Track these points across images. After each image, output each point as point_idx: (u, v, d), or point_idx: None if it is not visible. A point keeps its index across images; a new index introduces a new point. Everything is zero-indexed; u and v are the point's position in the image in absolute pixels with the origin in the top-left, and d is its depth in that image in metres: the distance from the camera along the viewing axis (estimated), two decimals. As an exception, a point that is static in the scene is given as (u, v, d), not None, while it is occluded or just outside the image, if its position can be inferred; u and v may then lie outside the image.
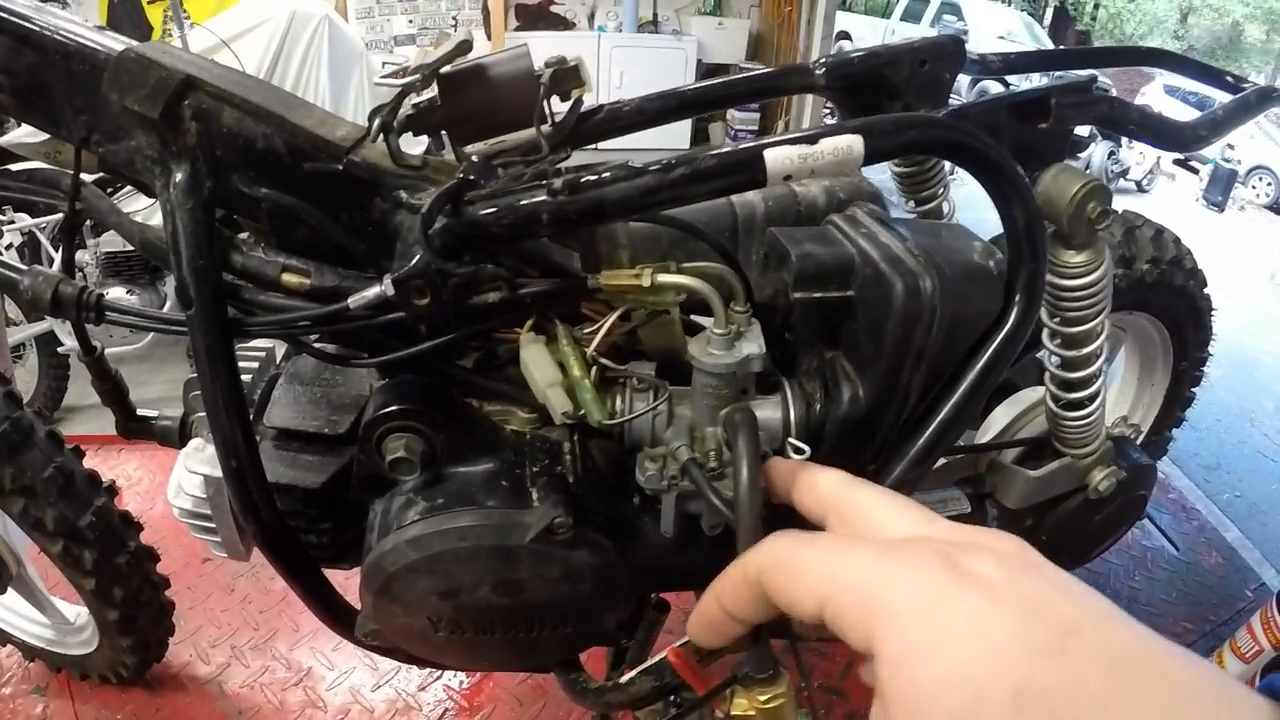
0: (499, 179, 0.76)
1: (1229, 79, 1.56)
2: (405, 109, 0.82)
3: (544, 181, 0.72)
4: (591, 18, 6.63)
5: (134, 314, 0.96)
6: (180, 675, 1.80)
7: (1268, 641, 1.70)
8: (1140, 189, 9.72)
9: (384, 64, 5.73)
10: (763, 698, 0.75)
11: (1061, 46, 14.87)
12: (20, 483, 1.34)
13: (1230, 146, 9.75)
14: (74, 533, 1.41)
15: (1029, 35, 13.06)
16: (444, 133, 0.85)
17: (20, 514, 1.38)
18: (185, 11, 3.78)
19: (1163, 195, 10.00)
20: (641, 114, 0.94)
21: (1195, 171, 10.53)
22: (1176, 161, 11.19)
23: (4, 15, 0.79)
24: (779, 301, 0.91)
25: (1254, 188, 10.56)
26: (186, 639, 1.83)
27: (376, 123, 0.80)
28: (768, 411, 0.89)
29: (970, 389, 0.87)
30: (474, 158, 0.77)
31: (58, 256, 3.03)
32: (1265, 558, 2.46)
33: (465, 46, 0.78)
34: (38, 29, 0.80)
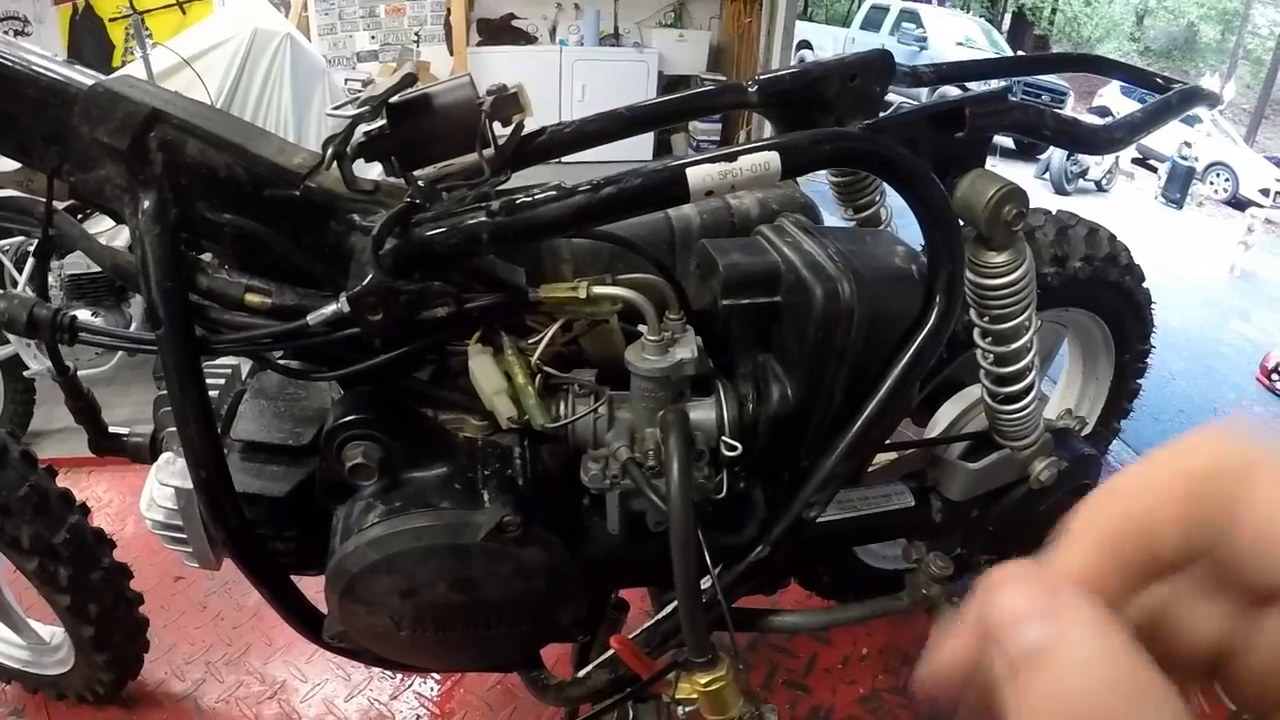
0: (444, 201, 0.82)
1: (1158, 80, 1.63)
2: (357, 137, 0.87)
3: (483, 204, 0.78)
4: (553, 32, 6.67)
5: (105, 334, 1.00)
6: (156, 693, 1.81)
7: None
8: (1100, 188, 9.91)
9: (346, 80, 5.76)
10: (703, 680, 0.81)
11: (1019, 51, 15.12)
12: None
13: (1188, 144, 9.96)
14: (49, 550, 1.43)
15: (988, 41, 13.23)
16: (393, 158, 0.90)
17: None
18: (148, 30, 3.79)
19: (1122, 194, 10.21)
20: (582, 135, 1.00)
21: (1154, 170, 10.76)
22: (1135, 160, 11.43)
23: None
24: (715, 309, 0.97)
25: (1212, 184, 10.80)
26: (161, 656, 1.84)
27: (330, 151, 0.85)
28: (703, 412, 0.94)
29: (895, 385, 0.93)
30: (420, 182, 0.82)
31: (20, 277, 3.04)
32: None
33: (410, 79, 0.83)
34: (11, 64, 0.85)
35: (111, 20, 6.19)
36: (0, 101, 0.85)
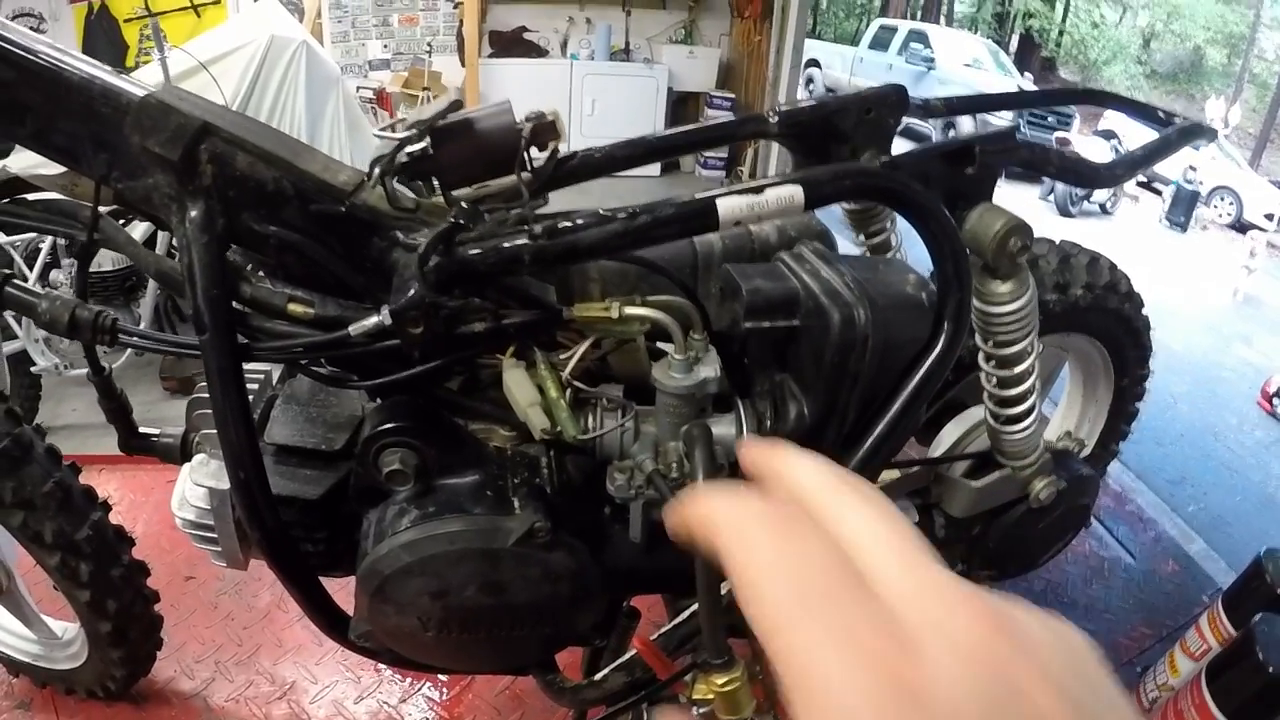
0: (485, 223, 0.86)
1: (1160, 114, 1.68)
2: (401, 157, 0.91)
3: (526, 226, 0.82)
4: (564, 45, 6.71)
5: (147, 337, 1.04)
6: (165, 690, 1.83)
7: (1214, 640, 1.80)
8: (1104, 211, 9.96)
9: (358, 88, 5.82)
10: (719, 681, 0.85)
11: (1026, 73, 15.19)
12: (20, 496, 1.39)
13: (1192, 168, 10.01)
14: (71, 546, 1.45)
15: (995, 62, 13.31)
16: (435, 179, 0.94)
17: (19, 527, 1.42)
18: (164, 33, 3.83)
19: (1126, 217, 10.25)
20: (612, 160, 1.04)
21: (1158, 193, 10.81)
22: (1140, 183, 11.49)
23: (33, 56, 0.87)
24: (734, 330, 1.02)
25: (1216, 207, 10.85)
26: (170, 655, 1.86)
27: (377, 170, 0.89)
28: (724, 428, 0.99)
29: (905, 405, 0.98)
30: (462, 203, 0.87)
31: (31, 273, 3.08)
32: (1230, 567, 2.52)
33: (456, 105, 0.88)
34: (64, 69, 0.88)
35: (126, 21, 6.25)
36: (52, 107, 0.88)
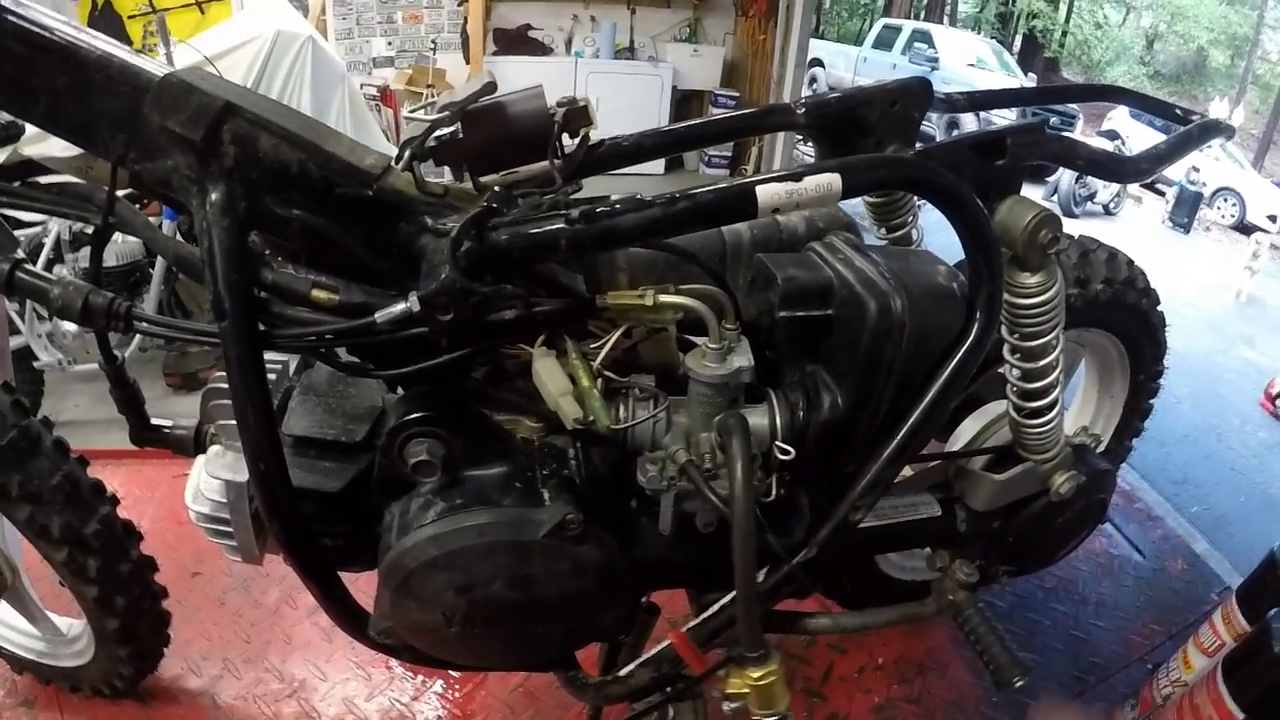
0: (519, 207, 0.85)
1: (1178, 111, 1.68)
2: (430, 141, 0.90)
3: (562, 211, 0.81)
4: (569, 43, 6.72)
5: (164, 324, 1.01)
6: (171, 688, 1.81)
7: (1229, 635, 1.79)
8: (1107, 212, 9.97)
9: (362, 85, 5.80)
10: (755, 675, 0.84)
11: (1030, 73, 15.19)
12: (27, 489, 1.36)
13: (1195, 169, 10.04)
14: (79, 540, 1.43)
15: (999, 62, 13.33)
16: (464, 164, 0.92)
17: (26, 521, 1.40)
18: (168, 29, 3.81)
19: (1130, 217, 10.27)
20: (639, 149, 1.03)
21: (1162, 194, 10.83)
22: (1143, 184, 11.51)
23: (48, 33, 0.85)
24: (764, 320, 1.00)
25: (1219, 209, 10.88)
26: (177, 652, 1.82)
27: (408, 153, 0.87)
28: (757, 418, 0.98)
29: (937, 396, 0.96)
30: (495, 187, 0.85)
31: (36, 267, 3.07)
32: (1234, 567, 2.52)
33: (490, 87, 0.86)
34: (84, 47, 0.86)
35: (130, 17, 6.24)
36: (67, 85, 0.86)
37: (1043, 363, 1.27)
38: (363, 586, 1.11)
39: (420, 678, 1.82)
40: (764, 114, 1.22)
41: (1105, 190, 9.68)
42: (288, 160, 0.88)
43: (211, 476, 1.11)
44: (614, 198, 0.82)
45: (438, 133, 0.89)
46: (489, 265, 0.83)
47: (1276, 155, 16.88)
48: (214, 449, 1.15)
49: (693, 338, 0.96)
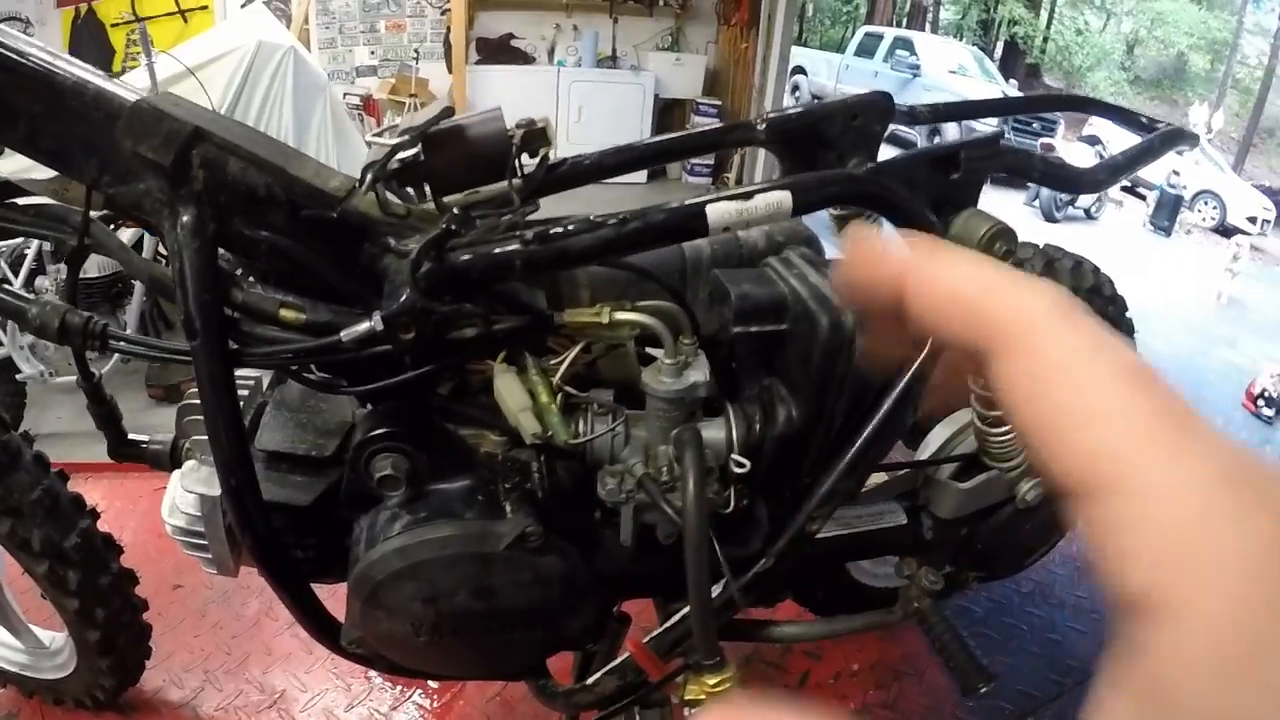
0: (477, 229, 0.87)
1: (1142, 120, 1.71)
2: (393, 164, 0.92)
3: (517, 232, 0.83)
4: (551, 52, 6.73)
5: (138, 343, 1.04)
6: (153, 700, 1.81)
7: None
8: (1088, 215, 10.03)
9: (345, 95, 5.82)
10: (711, 682, 0.86)
11: (1011, 79, 15.27)
12: (8, 504, 1.38)
13: (1176, 173, 10.10)
14: (60, 554, 1.44)
15: (980, 69, 13.40)
16: (426, 185, 0.95)
17: (7, 534, 1.41)
18: (151, 38, 3.82)
19: (1111, 221, 10.33)
20: (600, 167, 1.05)
21: (1143, 197, 10.91)
22: (1124, 188, 11.59)
23: (25, 59, 0.86)
24: (723, 335, 1.03)
25: (1199, 211, 10.95)
26: (159, 664, 1.83)
27: (370, 176, 0.90)
28: (713, 432, 1.00)
29: (891, 409, 0.99)
30: (454, 209, 0.87)
31: (16, 280, 3.07)
32: None
33: (448, 111, 0.89)
34: (56, 73, 0.88)
35: (113, 25, 6.25)
36: (44, 110, 0.88)
37: (1003, 372, 1.29)
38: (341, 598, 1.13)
39: (399, 688, 1.83)
40: (726, 131, 1.25)
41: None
42: (255, 183, 0.91)
43: (186, 491, 1.13)
44: (569, 218, 0.84)
45: (400, 155, 0.91)
46: (448, 285, 0.86)
47: (1256, 158, 17.06)
48: (189, 464, 1.16)
49: (653, 351, 0.99)
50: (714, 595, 0.91)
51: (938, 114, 1.56)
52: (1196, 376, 5.36)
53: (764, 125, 1.19)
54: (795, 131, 1.22)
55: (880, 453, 1.02)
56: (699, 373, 0.94)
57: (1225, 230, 10.41)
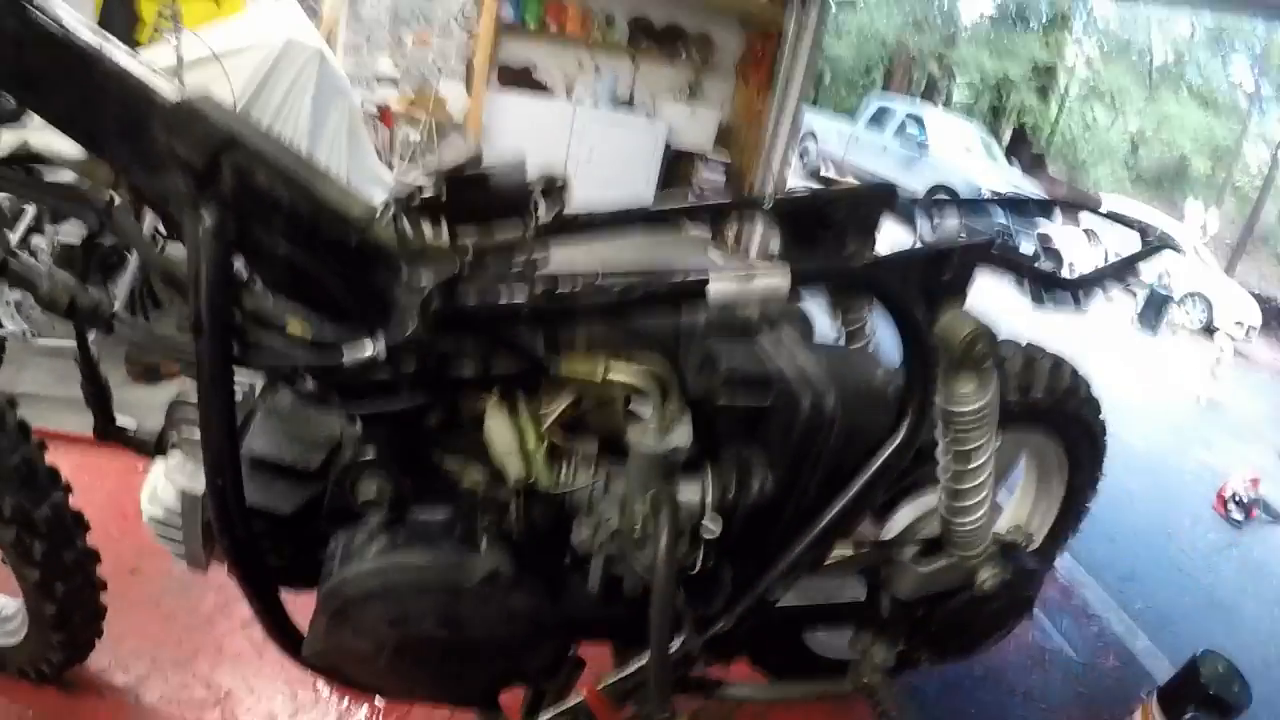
0: (489, 273, 0.91)
1: (1135, 224, 1.78)
2: (415, 202, 0.96)
3: (526, 284, 0.87)
4: (570, 89, 6.75)
5: (141, 332, 1.06)
6: (97, 680, 1.80)
7: None
8: (1076, 303, 10.14)
9: (363, 102, 5.85)
10: (662, 735, 0.89)
11: (1014, 160, 15.48)
12: None
13: (1166, 274, 10.29)
14: (29, 523, 1.45)
15: (986, 153, 13.63)
16: (445, 223, 0.98)
17: None
18: (181, 16, 3.83)
19: (1099, 313, 10.47)
20: (609, 223, 1.10)
21: (1133, 294, 11.10)
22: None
23: (75, 41, 0.90)
24: (709, 401, 1.07)
25: (1187, 312, 11.12)
26: (108, 646, 1.80)
27: (391, 210, 0.94)
28: (689, 493, 1.04)
29: (863, 489, 1.03)
30: (469, 251, 0.91)
31: (14, 236, 3.06)
32: (1173, 665, 2.45)
33: (477, 160, 0.93)
34: (103, 57, 0.91)
35: (145, -4, 6.23)
36: (88, 91, 0.91)
37: (972, 465, 1.33)
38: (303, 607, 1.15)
39: (346, 703, 1.82)
40: (735, 204, 1.30)
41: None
42: (280, 197, 0.94)
43: (169, 482, 1.15)
44: (577, 275, 0.88)
45: (424, 195, 0.95)
46: (454, 324, 0.90)
47: (1248, 262, 17.39)
48: (175, 457, 1.18)
49: (638, 409, 1.03)
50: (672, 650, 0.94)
51: (938, 205, 1.62)
52: (1170, 476, 5.39)
53: (771, 205, 1.24)
54: (802, 212, 1.27)
55: (848, 529, 1.06)
56: (681, 436, 0.98)
57: (1211, 332, 10.59)
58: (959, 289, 1.19)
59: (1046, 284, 1.38)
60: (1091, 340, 8.40)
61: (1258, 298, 11.91)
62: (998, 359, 1.25)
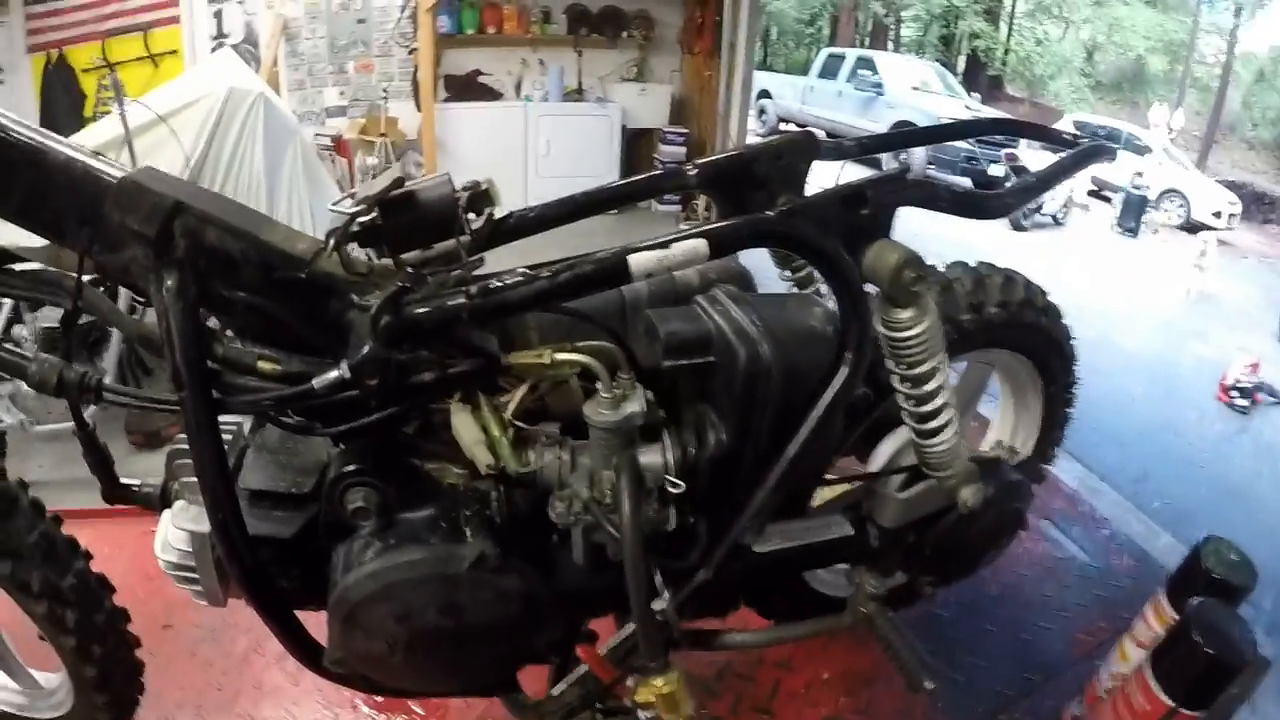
0: (429, 284, 0.98)
1: (1065, 137, 1.81)
2: (353, 228, 1.03)
3: (462, 287, 0.94)
4: (518, 88, 6.76)
5: (128, 396, 1.13)
6: (147, 736, 1.88)
7: (1159, 627, 1.84)
8: (1056, 222, 10.19)
9: (315, 135, 5.88)
10: (658, 684, 0.97)
11: (974, 92, 15.45)
12: (8, 547, 1.45)
13: (1139, 174, 10.30)
14: (57, 594, 1.51)
15: (943, 84, 13.58)
16: (385, 245, 1.05)
17: (8, 576, 1.47)
18: (123, 86, 3.86)
19: (1078, 226, 10.49)
20: (543, 219, 1.17)
21: (1108, 200, 11.11)
22: (1090, 192, 11.80)
23: (20, 138, 0.96)
24: (657, 368, 1.14)
25: (1166, 210, 11.15)
26: (151, 702, 1.84)
27: (333, 240, 1.00)
28: (651, 456, 1.11)
29: (815, 427, 1.10)
30: (408, 267, 0.98)
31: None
32: None
33: (399, 182, 1.00)
34: (49, 152, 0.98)
35: (84, 71, 6.25)
36: (39, 186, 0.98)
37: (928, 387, 1.38)
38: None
39: (384, 715, 1.89)
40: (664, 178, 1.37)
41: (1052, 201, 9.91)
42: (231, 249, 1.01)
43: (177, 528, 1.22)
44: (509, 271, 0.95)
45: (359, 220, 1.01)
46: (405, 336, 0.97)
47: (1219, 153, 17.42)
48: (179, 504, 1.25)
49: (597, 386, 1.09)
50: (659, 606, 1.01)
51: (865, 145, 1.67)
52: (1170, 372, 5.41)
53: (695, 171, 1.30)
54: (726, 175, 1.33)
55: (810, 468, 1.13)
56: (635, 404, 1.05)
57: (1191, 227, 10.62)
58: (881, 223, 1.23)
59: (967, 207, 1.42)
60: (1074, 253, 8.41)
61: (1233, 185, 11.96)
62: (929, 282, 1.30)
